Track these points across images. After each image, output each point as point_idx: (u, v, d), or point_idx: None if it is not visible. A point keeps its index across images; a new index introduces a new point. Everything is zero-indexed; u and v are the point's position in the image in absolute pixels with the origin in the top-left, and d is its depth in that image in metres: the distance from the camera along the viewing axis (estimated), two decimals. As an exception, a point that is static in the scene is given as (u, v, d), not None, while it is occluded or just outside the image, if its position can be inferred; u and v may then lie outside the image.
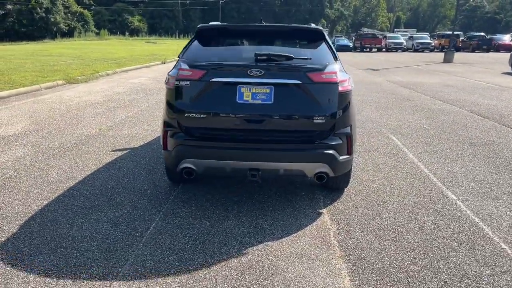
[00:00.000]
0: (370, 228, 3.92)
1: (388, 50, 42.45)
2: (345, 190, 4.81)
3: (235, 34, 4.98)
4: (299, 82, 3.93)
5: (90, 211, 4.19)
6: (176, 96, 4.09)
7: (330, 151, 4.01)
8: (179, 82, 4.02)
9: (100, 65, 19.60)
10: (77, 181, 5.00)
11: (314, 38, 4.60)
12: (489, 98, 11.93)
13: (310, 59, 4.21)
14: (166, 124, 4.24)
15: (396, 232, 3.85)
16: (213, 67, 4.08)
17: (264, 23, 5.58)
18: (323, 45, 4.48)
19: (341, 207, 4.38)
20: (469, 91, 13.38)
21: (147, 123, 8.16)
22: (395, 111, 9.83)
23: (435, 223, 4.02)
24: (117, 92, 12.23)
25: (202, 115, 3.97)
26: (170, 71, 4.27)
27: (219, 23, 5.06)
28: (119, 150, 6.30)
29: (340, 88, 4.03)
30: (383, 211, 4.28)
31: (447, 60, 27.18)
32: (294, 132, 4.03)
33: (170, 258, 3.37)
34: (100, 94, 11.90)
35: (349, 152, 4.22)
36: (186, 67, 4.07)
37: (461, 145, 6.84)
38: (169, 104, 4.22)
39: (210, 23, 4.97)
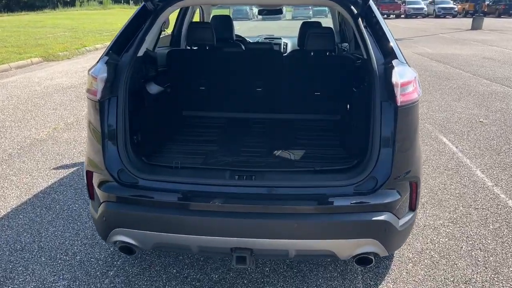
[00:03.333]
0: None
1: (407, 16, 39.41)
2: (396, 252, 2.97)
3: None
4: None
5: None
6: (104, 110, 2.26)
7: (382, 217, 2.14)
8: None
9: (92, 38, 17.65)
10: (-27, 234, 3.22)
11: None
12: (545, 75, 9.81)
13: None
14: (90, 163, 2.41)
15: None
16: None
17: None
18: None
19: (396, 298, 2.55)
20: (515, 65, 11.24)
21: (118, 119, 6.30)
22: (435, 95, 7.82)
23: None
24: (98, 72, 10.32)
25: None
26: (92, 67, 2.40)
27: None
28: (65, 166, 4.50)
29: (401, 98, 2.14)
30: (471, 310, 2.44)
31: (476, 27, 24.52)
32: None
33: None
34: (78, 75, 10.03)
35: (413, 206, 2.37)
36: None
37: (542, 151, 4.90)
38: (93, 126, 2.37)
39: None
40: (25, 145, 5.16)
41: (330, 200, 2.14)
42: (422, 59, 12.54)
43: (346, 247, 2.19)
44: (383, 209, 2.16)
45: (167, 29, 3.21)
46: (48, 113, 6.60)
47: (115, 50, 2.42)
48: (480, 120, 6.21)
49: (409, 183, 2.28)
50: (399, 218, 2.24)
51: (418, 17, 39.17)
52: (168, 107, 3.31)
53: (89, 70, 2.37)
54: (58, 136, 5.48)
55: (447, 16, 38.71)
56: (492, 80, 9.16)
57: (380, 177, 2.15)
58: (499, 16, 38.31)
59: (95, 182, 2.35)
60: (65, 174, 4.29)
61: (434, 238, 3.16)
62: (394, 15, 39.96)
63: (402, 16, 39.99)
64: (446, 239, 3.15)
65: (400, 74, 2.15)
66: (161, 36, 3.46)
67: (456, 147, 5.07)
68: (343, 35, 5.09)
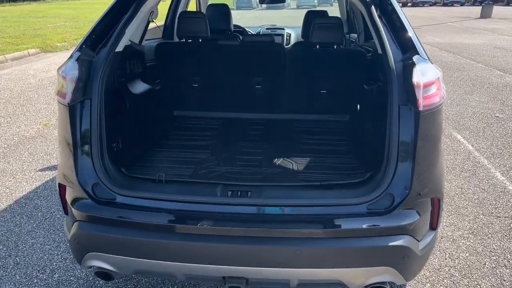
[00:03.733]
0: None
1: (414, 4, 38.74)
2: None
3: None
4: None
5: None
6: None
7: (401, 242, 1.82)
8: None
9: (92, 28, 17.27)
10: None
11: None
12: (560, 65, 9.39)
13: None
14: (63, 175, 2.09)
15: None
16: None
17: None
18: None
19: (413, 329, 2.24)
20: (529, 55, 10.81)
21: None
22: (446, 88, 7.42)
23: None
24: (96, 64, 10.00)
25: None
26: (61, 66, 2.06)
27: None
28: (52, 168, 4.20)
29: (423, 102, 1.79)
30: None
31: (485, 15, 24.00)
32: None
33: None
34: (75, 66, 9.69)
35: (435, 225, 2.04)
36: None
37: None
38: (63, 133, 2.05)
39: None
40: (12, 143, 4.87)
41: (339, 222, 1.82)
42: (432, 49, 12.12)
43: (357, 276, 1.87)
44: (401, 232, 1.83)
45: (155, 19, 2.87)
46: (40, 108, 6.30)
47: (90, 44, 2.09)
48: (496, 115, 5.85)
49: (431, 200, 1.95)
50: (419, 241, 1.92)
51: (425, 5, 38.48)
52: (157, 107, 2.99)
53: (59, 68, 2.04)
54: (48, 133, 5.18)
55: (455, 4, 38.03)
56: (506, 71, 8.76)
57: (398, 194, 1.82)
58: (507, 4, 37.64)
59: (68, 197, 2.04)
60: (51, 177, 3.99)
61: (454, 253, 2.84)
62: (401, 4, 39.19)
63: (409, 4, 39.34)
64: (467, 254, 2.83)
65: (423, 73, 1.80)
66: (150, 28, 3.12)
67: (472, 145, 4.73)
68: (351, 25, 4.73)
